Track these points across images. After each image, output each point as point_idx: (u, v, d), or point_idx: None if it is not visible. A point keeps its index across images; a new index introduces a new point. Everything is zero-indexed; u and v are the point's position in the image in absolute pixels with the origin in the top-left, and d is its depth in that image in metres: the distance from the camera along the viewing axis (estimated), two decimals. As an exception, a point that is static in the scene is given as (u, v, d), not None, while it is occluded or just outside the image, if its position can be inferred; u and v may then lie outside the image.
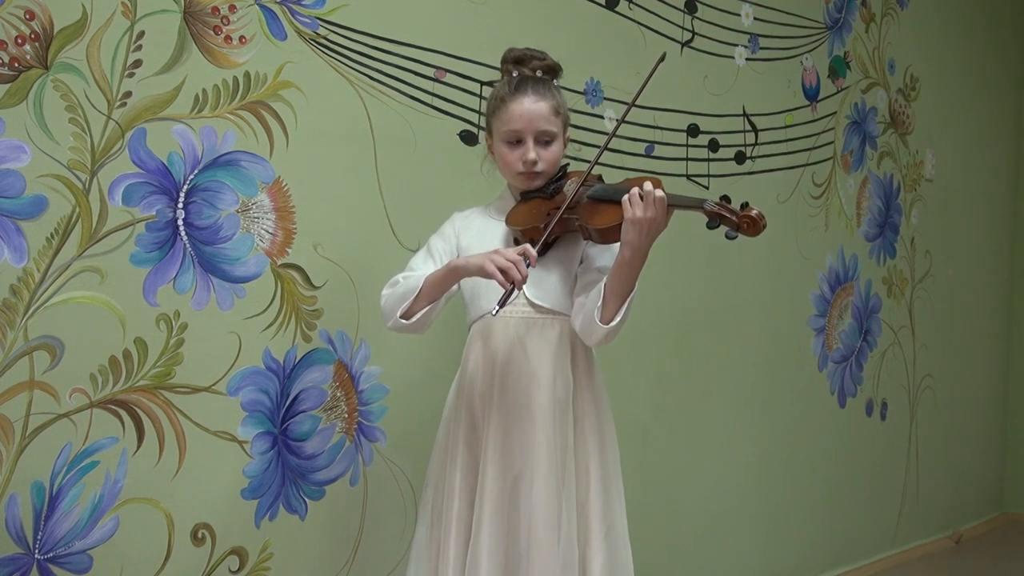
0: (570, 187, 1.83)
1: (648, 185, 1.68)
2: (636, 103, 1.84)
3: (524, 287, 1.79)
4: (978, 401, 4.49)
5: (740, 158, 3.12)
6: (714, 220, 1.66)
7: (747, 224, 1.63)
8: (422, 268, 1.87)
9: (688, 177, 2.94)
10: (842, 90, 3.55)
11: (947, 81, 4.15)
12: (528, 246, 1.70)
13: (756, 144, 3.17)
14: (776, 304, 3.30)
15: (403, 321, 1.79)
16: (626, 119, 2.73)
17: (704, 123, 3.00)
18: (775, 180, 3.26)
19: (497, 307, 1.65)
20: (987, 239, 4.51)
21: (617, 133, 2.73)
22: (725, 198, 1.68)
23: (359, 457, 2.20)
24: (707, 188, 2.99)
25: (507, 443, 1.79)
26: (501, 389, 1.81)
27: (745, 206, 1.64)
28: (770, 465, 3.29)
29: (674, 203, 1.69)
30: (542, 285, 1.82)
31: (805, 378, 3.43)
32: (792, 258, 3.36)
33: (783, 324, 3.34)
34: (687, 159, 2.94)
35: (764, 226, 1.63)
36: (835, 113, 3.51)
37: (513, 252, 1.69)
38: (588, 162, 1.86)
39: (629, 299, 1.73)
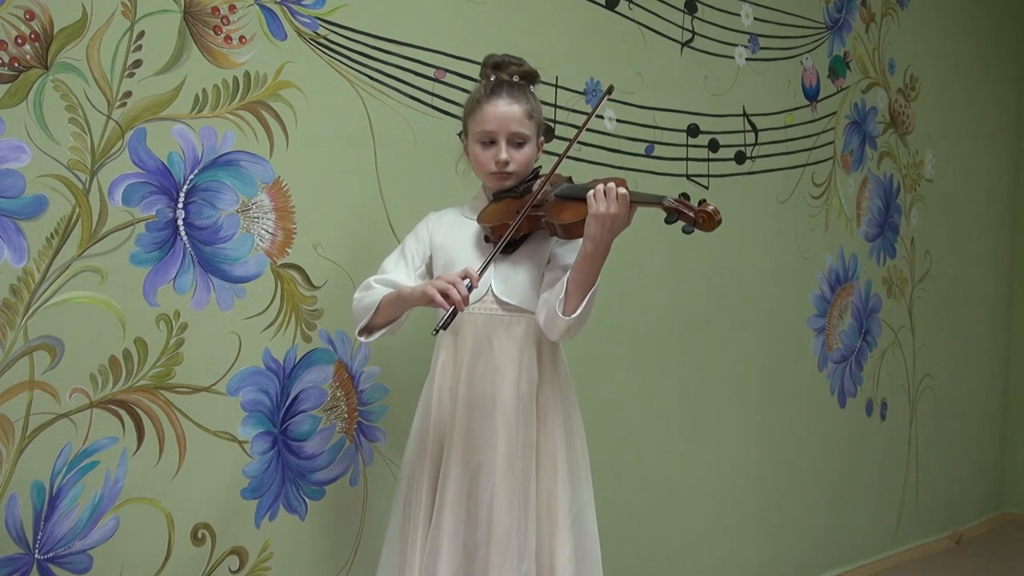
0: (538, 185, 1.88)
1: (611, 183, 1.73)
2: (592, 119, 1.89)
3: (492, 284, 1.86)
4: (978, 401, 4.49)
5: (740, 158, 3.12)
6: (672, 215, 1.72)
7: (703, 219, 1.70)
8: (393, 271, 1.92)
9: (688, 177, 2.94)
10: (842, 90, 3.55)
11: (947, 81, 4.15)
12: (469, 268, 1.74)
13: (756, 144, 3.17)
14: (776, 304, 3.30)
15: (362, 339, 1.87)
16: (627, 120, 2.76)
17: (704, 123, 3.00)
18: (775, 180, 3.26)
19: (438, 327, 1.70)
20: (987, 239, 4.51)
21: (617, 133, 2.74)
22: (684, 195, 1.74)
23: (359, 457, 2.20)
24: (707, 188, 2.99)
25: (470, 436, 1.84)
26: (467, 384, 1.85)
27: (702, 202, 1.70)
28: (770, 465, 3.29)
29: (635, 200, 1.75)
30: (509, 282, 1.87)
31: (805, 378, 3.43)
32: (792, 258, 3.36)
33: (783, 324, 3.34)
34: (687, 159, 2.94)
35: (719, 221, 1.69)
36: (835, 113, 3.51)
37: (453, 275, 1.73)
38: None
39: (591, 292, 1.77)
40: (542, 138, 1.96)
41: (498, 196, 1.92)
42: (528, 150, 1.90)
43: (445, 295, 1.70)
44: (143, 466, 1.86)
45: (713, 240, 3.01)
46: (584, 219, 1.75)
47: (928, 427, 4.09)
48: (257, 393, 2.02)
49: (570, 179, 1.94)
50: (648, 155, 2.82)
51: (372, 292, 1.87)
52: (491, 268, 1.84)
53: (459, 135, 2.33)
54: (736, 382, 3.16)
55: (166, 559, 1.90)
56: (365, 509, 2.20)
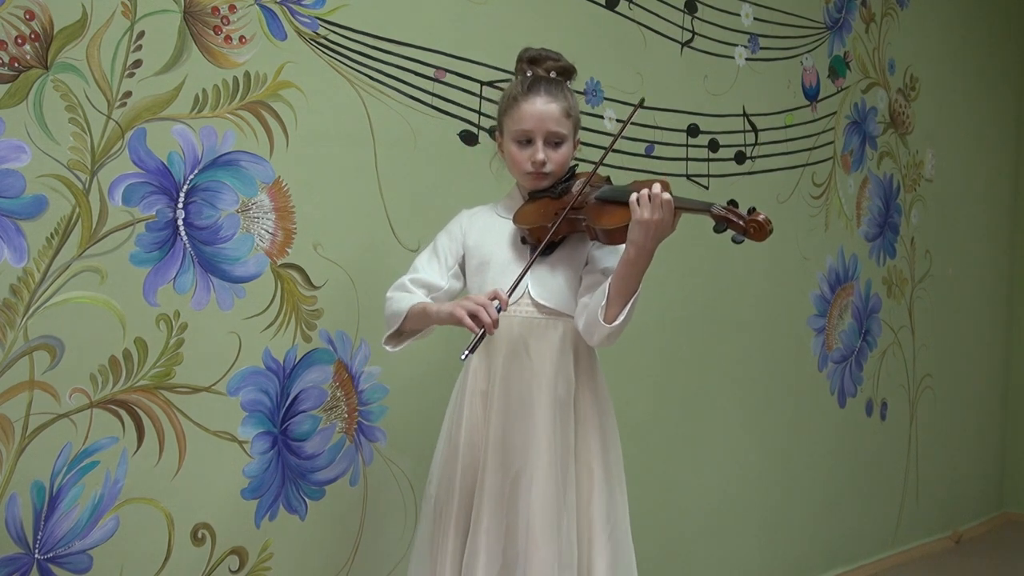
0: (577, 187, 1.84)
1: (656, 187, 1.69)
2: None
3: (528, 287, 1.82)
4: (978, 401, 4.49)
5: (740, 158, 3.12)
6: (721, 224, 1.69)
7: (754, 229, 1.66)
8: (426, 269, 1.89)
9: (688, 177, 2.94)
10: (842, 90, 3.55)
11: (947, 81, 4.15)
12: (499, 290, 1.70)
13: (756, 144, 3.17)
14: (776, 304, 3.30)
15: (388, 348, 1.85)
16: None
17: (704, 123, 3.00)
18: (775, 180, 3.26)
19: (466, 352, 1.65)
20: (987, 239, 4.51)
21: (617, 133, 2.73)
22: (732, 202, 1.70)
23: (359, 457, 2.20)
24: (707, 188, 2.99)
25: (507, 441, 1.80)
26: (503, 388, 1.82)
27: (752, 211, 1.67)
28: (770, 465, 3.29)
29: (681, 206, 1.71)
30: (547, 285, 1.83)
31: (805, 378, 3.43)
32: (792, 258, 3.36)
33: (783, 324, 3.34)
34: (687, 159, 2.94)
35: (771, 231, 1.65)
36: (835, 113, 3.51)
37: (483, 296, 1.69)
38: (594, 163, 1.87)
39: (633, 300, 1.74)
40: (578, 136, 1.92)
41: (534, 196, 1.89)
42: (565, 149, 1.86)
43: (474, 317, 1.66)
44: (143, 466, 1.86)
45: (713, 240, 3.02)
46: (627, 225, 1.71)
47: (928, 427, 4.09)
48: (257, 393, 2.02)
49: (608, 180, 1.90)
50: (648, 155, 2.82)
51: (401, 298, 1.84)
52: (528, 270, 1.81)
53: (460, 135, 2.34)
54: (736, 382, 3.16)
55: (166, 559, 1.90)
56: (365, 509, 2.20)
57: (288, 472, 2.07)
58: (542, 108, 1.82)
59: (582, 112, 2.62)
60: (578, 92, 2.62)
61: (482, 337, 1.66)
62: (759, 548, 3.25)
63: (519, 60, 1.90)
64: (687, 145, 2.94)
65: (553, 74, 1.87)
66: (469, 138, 2.37)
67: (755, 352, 3.22)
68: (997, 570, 3.88)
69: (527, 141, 1.84)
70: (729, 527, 3.14)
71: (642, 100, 1.92)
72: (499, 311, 1.67)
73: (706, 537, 3.06)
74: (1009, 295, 4.71)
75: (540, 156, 1.82)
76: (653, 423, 2.89)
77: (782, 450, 3.33)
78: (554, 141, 1.84)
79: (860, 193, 3.67)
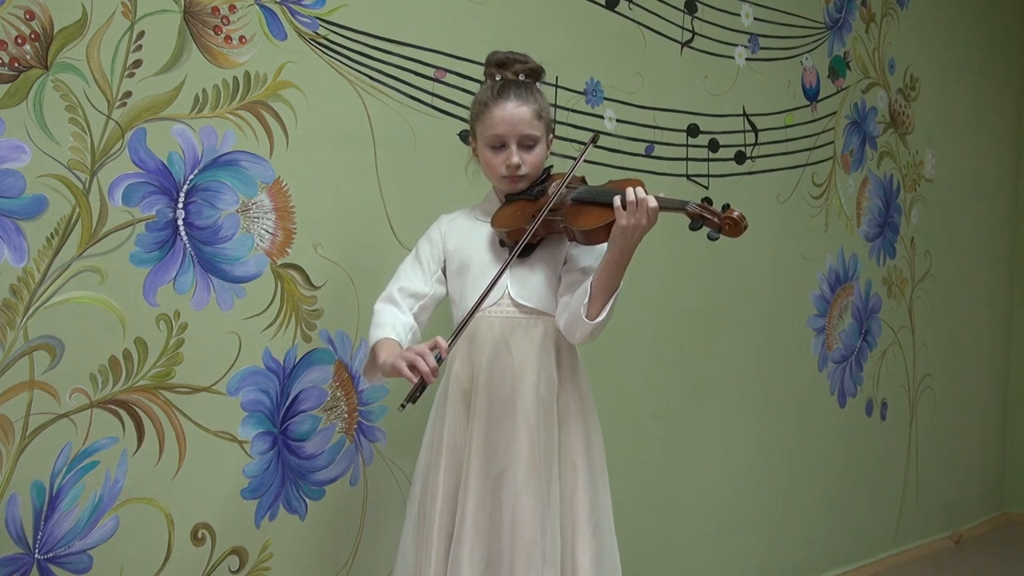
0: (554, 189, 1.85)
1: (640, 192, 1.71)
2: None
3: (508, 287, 1.84)
4: (978, 401, 4.49)
5: (740, 158, 3.12)
6: (696, 221, 1.71)
7: (729, 225, 1.68)
8: (410, 276, 1.91)
9: (688, 177, 2.94)
10: (842, 90, 3.55)
11: (947, 81, 4.15)
12: (440, 339, 1.68)
13: (756, 144, 3.17)
14: (776, 304, 3.30)
15: (365, 379, 1.89)
16: (627, 120, 2.76)
17: (704, 123, 3.00)
18: (775, 180, 3.26)
19: (404, 403, 1.63)
20: (987, 239, 4.51)
21: (617, 133, 2.74)
22: (707, 200, 1.72)
23: (359, 457, 2.20)
24: (707, 188, 2.99)
25: (491, 441, 1.82)
26: (486, 388, 1.84)
27: (726, 207, 1.68)
28: (770, 465, 3.29)
29: (663, 206, 1.73)
30: (526, 285, 1.85)
31: (805, 378, 3.43)
32: (792, 258, 3.36)
33: (783, 324, 3.34)
34: (687, 159, 2.94)
35: (745, 227, 1.67)
36: (835, 113, 3.51)
37: (423, 346, 1.68)
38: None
39: (614, 297, 1.76)
40: (551, 136, 1.94)
41: (511, 198, 1.90)
42: (539, 150, 1.87)
43: (412, 367, 1.65)
44: (143, 466, 1.86)
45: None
46: (604, 225, 1.74)
47: (928, 427, 4.09)
48: (257, 393, 2.02)
49: (584, 179, 1.92)
50: (648, 155, 2.82)
51: (378, 323, 1.83)
52: (507, 271, 1.82)
53: (460, 135, 2.34)
54: (736, 382, 3.16)
55: (166, 559, 1.90)
56: (365, 509, 2.20)
57: (288, 472, 2.07)
58: (513, 112, 1.83)
59: (582, 112, 2.64)
60: (578, 92, 2.63)
61: (421, 386, 1.64)
62: (759, 548, 3.25)
63: (487, 65, 1.92)
64: (687, 145, 2.94)
65: (522, 76, 1.89)
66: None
67: (755, 352, 3.22)
68: (997, 570, 3.87)
69: (501, 146, 1.86)
70: (729, 527, 3.14)
71: (596, 136, 1.94)
72: (439, 360, 1.66)
73: (706, 537, 3.06)
74: (1009, 295, 4.71)
75: (515, 160, 1.84)
76: (652, 422, 2.89)
77: (782, 450, 3.33)
78: (527, 143, 1.86)
79: (860, 193, 3.67)
